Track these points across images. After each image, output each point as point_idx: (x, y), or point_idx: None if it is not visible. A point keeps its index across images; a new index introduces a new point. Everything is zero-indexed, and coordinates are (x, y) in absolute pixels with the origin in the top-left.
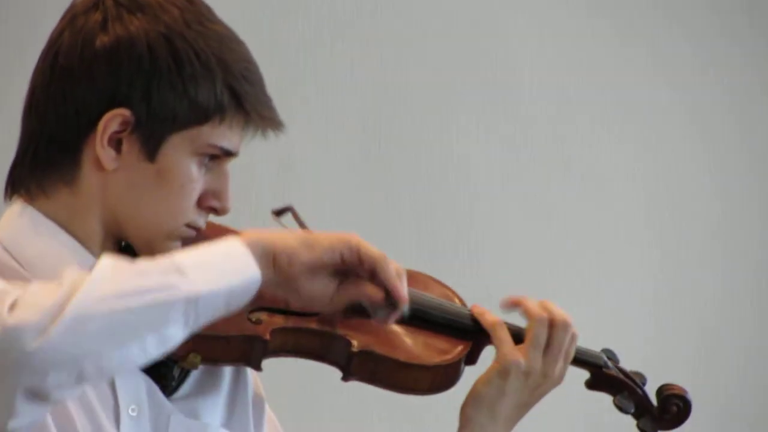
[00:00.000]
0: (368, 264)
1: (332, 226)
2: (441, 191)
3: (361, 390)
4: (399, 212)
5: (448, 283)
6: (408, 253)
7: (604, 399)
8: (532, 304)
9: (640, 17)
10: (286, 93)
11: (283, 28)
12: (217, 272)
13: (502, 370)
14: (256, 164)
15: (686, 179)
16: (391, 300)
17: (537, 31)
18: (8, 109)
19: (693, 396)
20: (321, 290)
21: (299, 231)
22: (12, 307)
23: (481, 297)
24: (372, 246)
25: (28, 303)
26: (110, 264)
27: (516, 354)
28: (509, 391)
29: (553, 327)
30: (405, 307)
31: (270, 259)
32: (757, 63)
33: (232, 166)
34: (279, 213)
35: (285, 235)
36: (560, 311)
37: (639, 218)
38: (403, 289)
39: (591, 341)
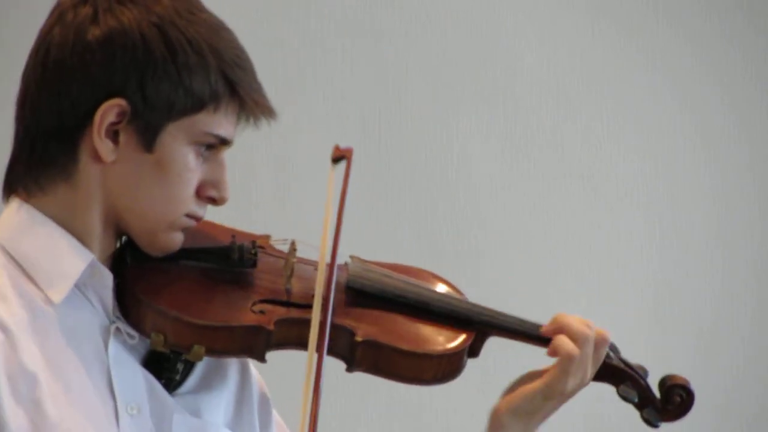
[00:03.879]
0: None
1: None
2: (441, 191)
3: (359, 387)
4: (399, 212)
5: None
6: (408, 252)
7: (605, 399)
8: (573, 324)
9: (640, 17)
10: (285, 92)
11: (283, 27)
12: None
13: (547, 393)
14: (256, 164)
15: (686, 179)
16: None
17: (537, 31)
18: (9, 109)
19: None
20: None
21: None
22: None
23: (482, 297)
24: None
25: None
26: None
27: (568, 381)
28: (547, 409)
29: (597, 345)
30: None
31: None
32: (757, 63)
33: (231, 165)
34: (336, 160)
35: None
36: (590, 323)
37: (639, 218)
38: None
39: None
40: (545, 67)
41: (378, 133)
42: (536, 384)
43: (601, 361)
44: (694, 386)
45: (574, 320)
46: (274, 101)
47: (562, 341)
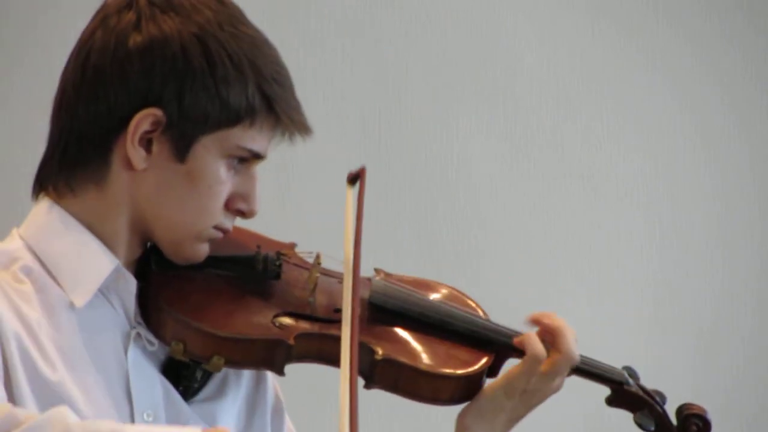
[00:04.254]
0: None
1: (332, 227)
2: (441, 191)
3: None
4: (399, 212)
5: (447, 283)
6: (408, 253)
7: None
8: (564, 333)
9: (640, 17)
10: None
11: (283, 27)
12: None
13: (509, 390)
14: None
15: (686, 179)
16: None
17: (537, 31)
18: (8, 109)
19: (691, 396)
20: None
21: None
22: None
23: (482, 297)
24: None
25: None
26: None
27: (531, 381)
28: (509, 407)
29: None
30: None
31: None
32: (757, 63)
33: None
34: (353, 180)
35: None
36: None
37: (639, 218)
38: None
39: (591, 341)
40: (545, 67)
41: (378, 133)
42: (498, 381)
43: (565, 373)
44: (695, 386)
45: (567, 330)
46: None
47: (533, 340)
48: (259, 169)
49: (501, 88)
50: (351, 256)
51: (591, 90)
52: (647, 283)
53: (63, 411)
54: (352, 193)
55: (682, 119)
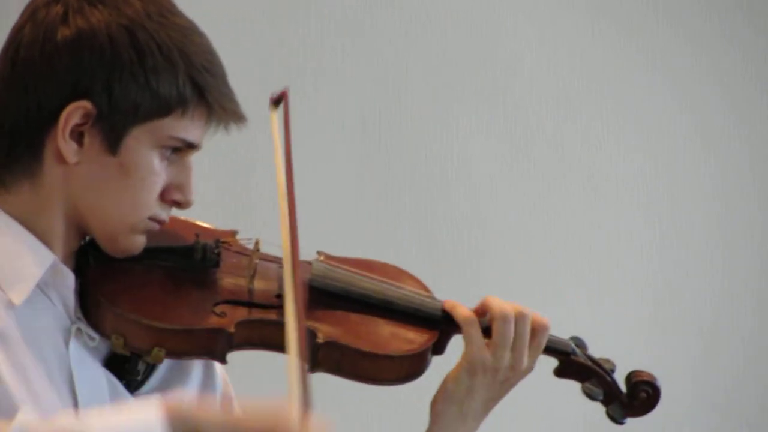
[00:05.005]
0: None
1: (332, 227)
2: (441, 191)
3: (356, 387)
4: (399, 212)
5: (447, 283)
6: (408, 253)
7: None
8: (495, 302)
9: (640, 17)
10: None
11: (283, 27)
12: None
13: (470, 369)
14: (255, 164)
15: (686, 179)
16: None
17: (537, 31)
18: None
19: (693, 396)
20: None
21: (224, 415)
22: None
23: (482, 297)
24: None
25: None
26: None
27: (484, 352)
28: (477, 387)
29: (517, 322)
30: None
31: None
32: (757, 63)
33: (230, 166)
34: (276, 102)
35: (210, 415)
36: (519, 305)
37: (639, 218)
38: None
39: (590, 341)
40: (545, 67)
41: (378, 133)
42: (459, 362)
43: (540, 347)
44: (695, 386)
45: (494, 300)
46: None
47: (456, 304)
48: (258, 169)
49: (501, 88)
50: (283, 181)
51: (591, 90)
52: (647, 283)
53: (20, 419)
54: (276, 117)
55: (682, 119)
